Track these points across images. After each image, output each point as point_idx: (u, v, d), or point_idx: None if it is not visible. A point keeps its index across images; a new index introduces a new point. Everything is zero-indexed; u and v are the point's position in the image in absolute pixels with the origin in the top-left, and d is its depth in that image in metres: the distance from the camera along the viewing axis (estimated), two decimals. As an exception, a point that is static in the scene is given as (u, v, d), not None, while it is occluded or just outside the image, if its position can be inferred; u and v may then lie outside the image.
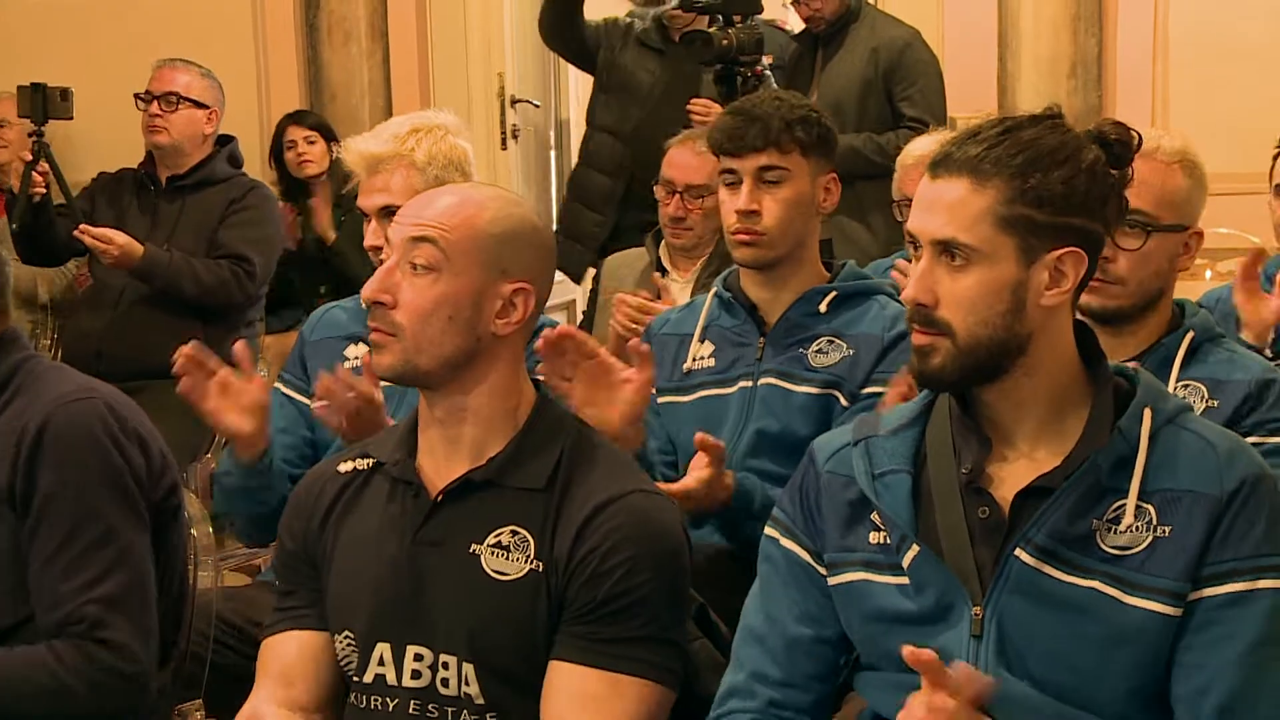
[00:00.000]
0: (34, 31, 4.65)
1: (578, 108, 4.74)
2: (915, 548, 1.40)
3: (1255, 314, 2.37)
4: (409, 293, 1.56)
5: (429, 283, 1.56)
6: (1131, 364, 1.47)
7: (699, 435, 1.96)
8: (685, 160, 3.00)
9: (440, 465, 1.62)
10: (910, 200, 2.62)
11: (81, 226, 3.44)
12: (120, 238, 3.41)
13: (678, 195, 2.97)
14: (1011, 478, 1.41)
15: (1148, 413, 1.39)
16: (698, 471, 1.96)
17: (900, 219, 2.76)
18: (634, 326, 2.51)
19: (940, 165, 1.38)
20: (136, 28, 4.50)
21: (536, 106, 4.96)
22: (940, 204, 1.37)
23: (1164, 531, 1.35)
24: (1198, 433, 1.39)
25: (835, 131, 2.31)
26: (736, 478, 2.05)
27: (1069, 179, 1.36)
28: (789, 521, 1.52)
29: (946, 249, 1.37)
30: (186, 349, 2.14)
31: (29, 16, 4.73)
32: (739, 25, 3.48)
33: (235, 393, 2.11)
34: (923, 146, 2.77)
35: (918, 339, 1.40)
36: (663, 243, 3.05)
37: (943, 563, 1.37)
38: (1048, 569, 1.32)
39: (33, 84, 3.66)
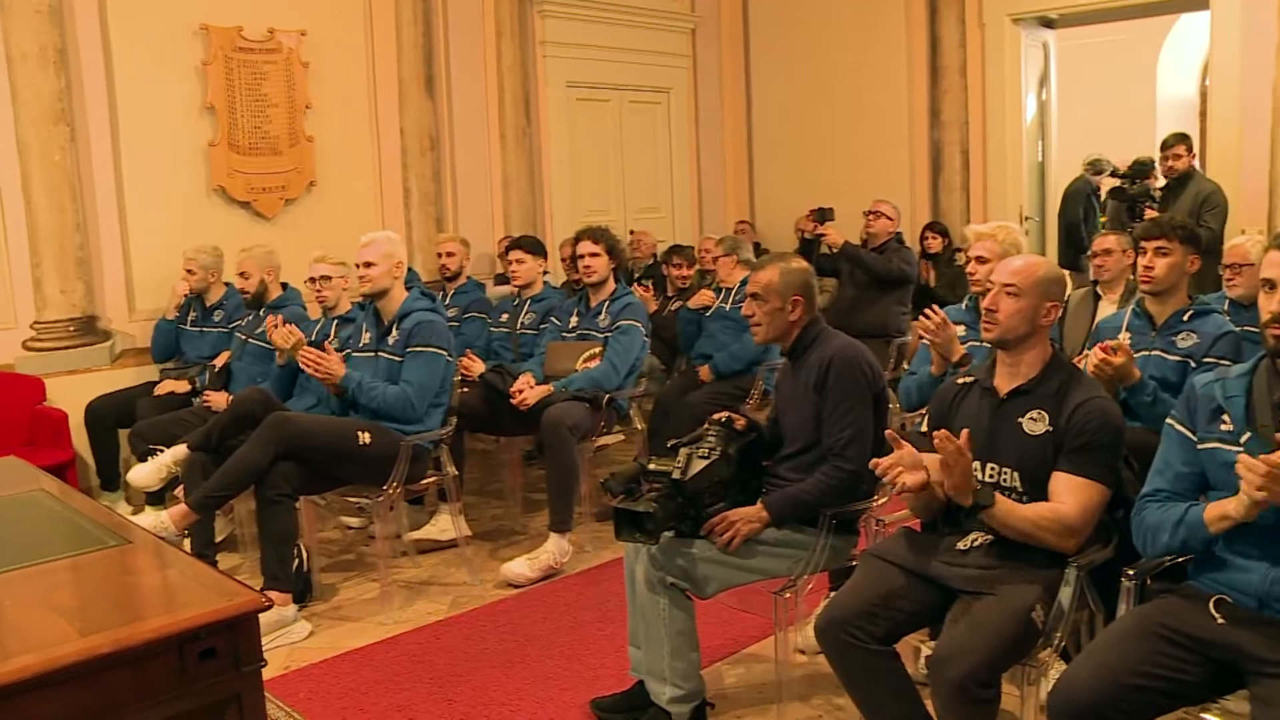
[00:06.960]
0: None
1: (1051, 222, 6.96)
2: (1247, 433, 1.82)
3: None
4: (1005, 307, 2.24)
5: (1014, 302, 2.24)
6: None
7: (1114, 342, 2.67)
8: (1101, 243, 3.78)
9: (1004, 381, 2.28)
10: (1236, 265, 3.48)
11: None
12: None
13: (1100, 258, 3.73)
14: None
15: None
16: (1122, 355, 2.68)
17: (1229, 275, 3.52)
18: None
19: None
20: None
21: (1034, 220, 6.99)
22: None
23: None
24: None
25: (1201, 238, 3.00)
26: (1142, 376, 2.71)
27: None
28: (1180, 416, 2.01)
29: None
30: None
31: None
32: (1138, 184, 5.54)
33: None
34: (1238, 240, 3.56)
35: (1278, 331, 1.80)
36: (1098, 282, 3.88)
37: (1263, 443, 1.73)
38: None
39: (819, 207, 5.51)
